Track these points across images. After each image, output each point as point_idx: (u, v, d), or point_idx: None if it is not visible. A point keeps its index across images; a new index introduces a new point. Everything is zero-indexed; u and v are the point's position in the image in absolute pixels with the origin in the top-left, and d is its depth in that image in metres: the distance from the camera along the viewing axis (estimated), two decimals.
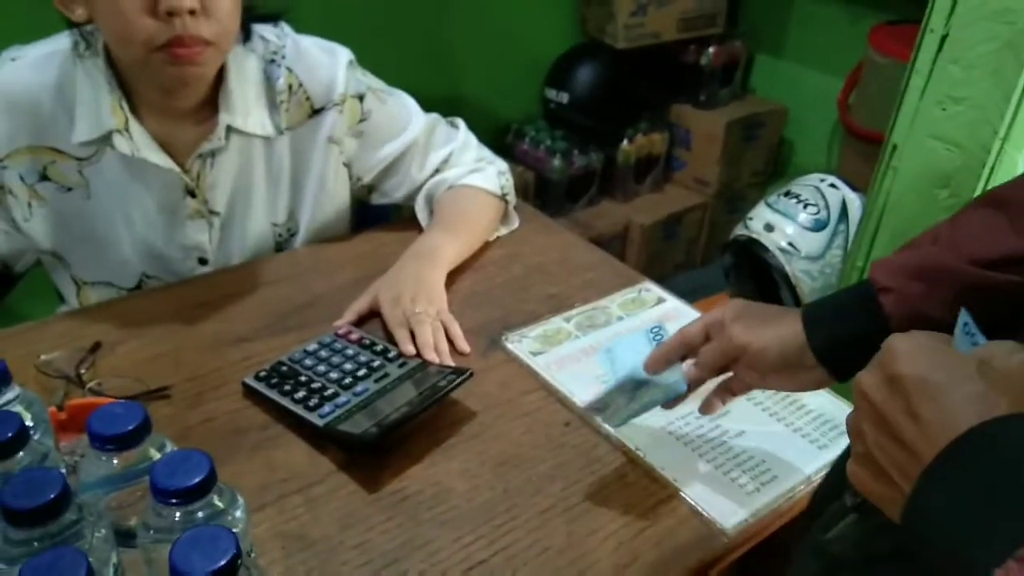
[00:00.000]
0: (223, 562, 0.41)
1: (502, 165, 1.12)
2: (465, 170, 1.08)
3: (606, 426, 0.77)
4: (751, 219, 1.67)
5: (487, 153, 1.13)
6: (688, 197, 2.57)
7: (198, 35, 0.82)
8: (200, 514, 0.47)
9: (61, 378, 0.79)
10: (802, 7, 2.44)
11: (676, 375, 0.70)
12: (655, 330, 0.72)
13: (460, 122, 1.13)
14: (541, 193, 2.37)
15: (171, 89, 0.89)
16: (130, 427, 0.48)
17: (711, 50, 2.43)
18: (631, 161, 2.46)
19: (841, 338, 0.63)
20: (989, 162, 1.11)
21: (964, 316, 0.46)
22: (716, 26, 2.44)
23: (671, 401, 0.72)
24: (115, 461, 0.50)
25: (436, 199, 1.08)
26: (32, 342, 0.84)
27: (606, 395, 0.71)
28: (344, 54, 1.02)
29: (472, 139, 1.13)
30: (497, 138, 2.42)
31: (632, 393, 0.71)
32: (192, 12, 0.80)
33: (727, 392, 0.72)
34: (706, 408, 0.73)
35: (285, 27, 1.01)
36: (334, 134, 1.01)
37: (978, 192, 1.13)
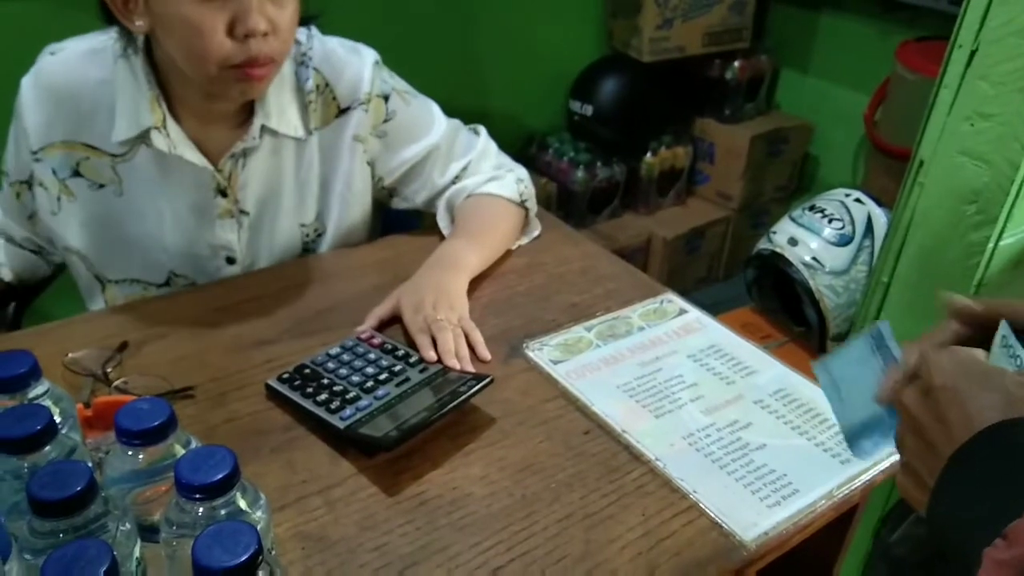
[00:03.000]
0: (244, 558, 0.42)
1: (522, 172, 1.13)
2: (484, 178, 1.09)
3: (628, 437, 0.77)
4: (775, 233, 1.66)
5: (506, 160, 1.14)
6: (711, 211, 2.56)
7: (269, 55, 0.86)
8: (223, 511, 0.47)
9: (88, 376, 0.80)
10: (829, 23, 2.44)
11: None
12: (875, 336, 0.56)
13: (481, 129, 1.14)
14: (564, 204, 2.37)
15: (229, 101, 0.92)
16: (156, 423, 0.49)
17: (736, 64, 2.43)
18: (654, 174, 2.46)
19: None
20: (1017, 178, 1.10)
21: (1004, 328, 0.47)
22: (742, 40, 2.44)
23: None
24: (140, 456, 0.51)
25: (457, 207, 1.08)
26: (60, 340, 0.85)
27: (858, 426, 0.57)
28: (370, 54, 1.03)
29: (492, 147, 1.13)
30: (521, 149, 2.43)
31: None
32: (264, 33, 0.83)
33: None
34: None
35: (313, 29, 1.02)
36: (359, 132, 1.02)
37: (1005, 212, 1.12)
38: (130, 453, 0.51)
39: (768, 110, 2.60)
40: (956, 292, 0.54)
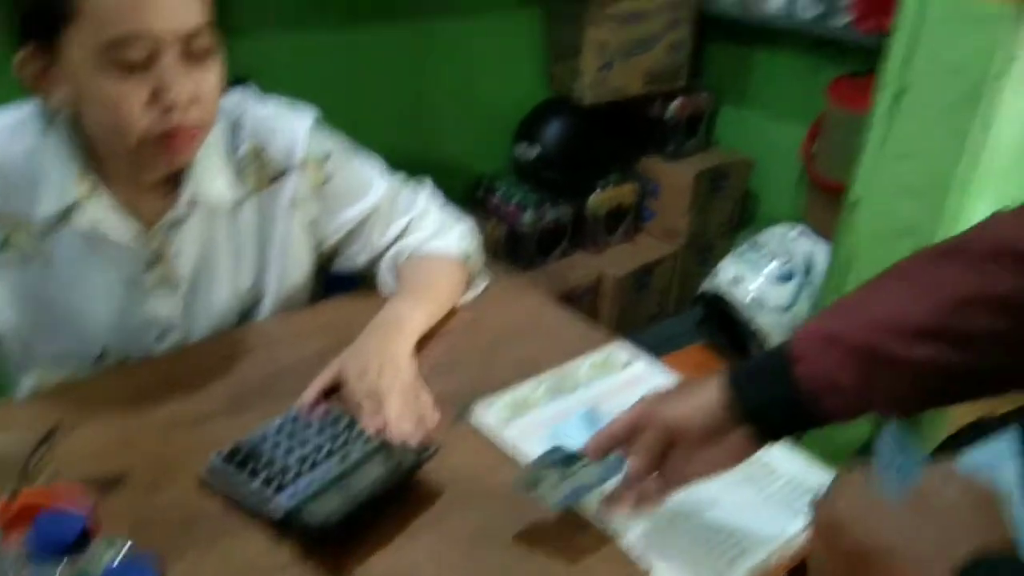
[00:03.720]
0: None
1: (465, 227, 1.12)
2: (426, 235, 1.07)
3: (579, 503, 0.75)
4: (719, 271, 1.68)
5: (449, 216, 1.13)
6: (659, 248, 2.59)
7: (193, 124, 0.84)
8: None
9: (13, 467, 0.76)
10: (763, 60, 2.50)
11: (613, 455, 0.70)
12: (587, 414, 0.75)
13: (427, 182, 1.13)
14: (513, 247, 2.37)
15: (155, 170, 0.90)
16: (70, 539, 0.46)
17: (676, 103, 2.47)
18: (601, 213, 2.48)
19: (763, 400, 0.63)
20: (949, 213, 1.13)
21: (883, 442, 0.46)
22: (680, 80, 2.49)
23: (610, 491, 0.71)
24: (57, 571, 0.48)
25: (399, 268, 1.07)
26: None
27: (536, 472, 0.70)
28: (307, 116, 1.02)
29: (433, 204, 1.12)
30: (469, 193, 2.43)
31: (564, 471, 0.70)
32: (188, 103, 0.82)
33: (664, 486, 0.69)
34: (610, 503, 0.71)
35: (249, 92, 1.01)
36: (296, 196, 1.00)
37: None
38: (47, 567, 0.48)
39: (709, 146, 2.65)
40: None
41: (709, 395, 0.65)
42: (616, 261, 2.51)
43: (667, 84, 2.47)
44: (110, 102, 0.79)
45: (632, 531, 0.73)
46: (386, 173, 1.09)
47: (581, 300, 2.41)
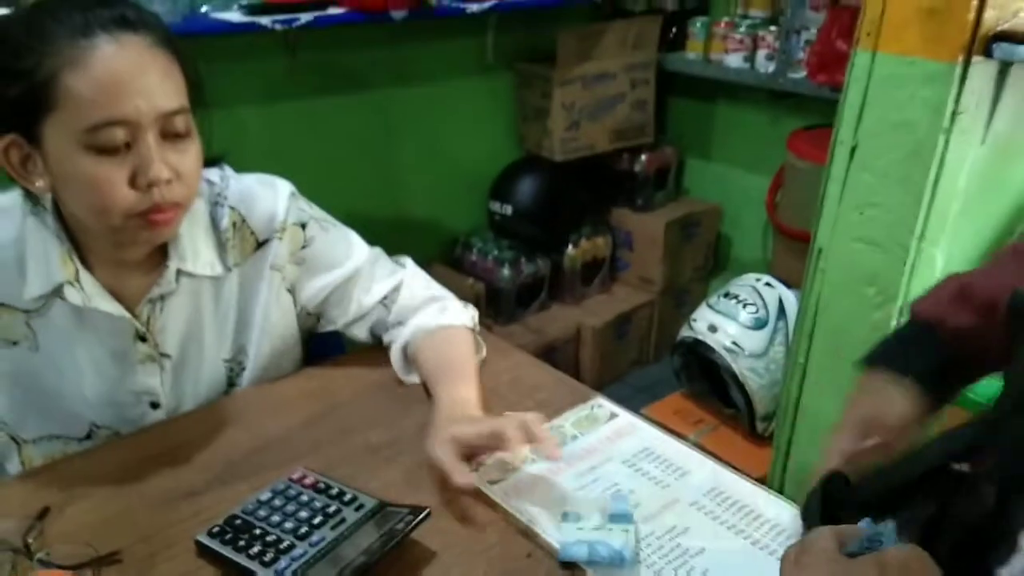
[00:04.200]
0: None
1: (456, 299, 1.12)
2: (433, 311, 1.07)
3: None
4: (695, 320, 1.72)
5: (438, 287, 1.14)
6: (635, 296, 2.64)
7: (173, 201, 0.86)
8: None
9: (8, 551, 0.76)
10: (725, 113, 2.60)
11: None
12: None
13: (407, 259, 1.15)
14: (493, 302, 2.41)
15: (138, 247, 0.92)
16: None
17: (643, 157, 2.55)
18: (577, 265, 2.53)
19: (928, 367, 0.75)
20: (909, 260, 1.18)
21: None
22: (646, 135, 2.57)
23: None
24: None
25: (418, 346, 1.05)
26: None
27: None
28: (284, 186, 1.05)
29: (421, 272, 1.14)
30: (446, 251, 2.48)
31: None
32: (168, 180, 0.84)
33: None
34: None
35: (227, 168, 1.04)
36: (276, 261, 1.02)
37: (902, 290, 1.19)
38: None
39: (678, 196, 2.72)
40: None
41: (887, 391, 0.74)
42: (594, 311, 2.55)
43: (634, 140, 2.55)
44: (92, 184, 0.82)
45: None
46: (364, 243, 1.11)
47: (562, 351, 2.44)
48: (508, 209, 2.40)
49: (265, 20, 1.68)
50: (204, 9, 1.65)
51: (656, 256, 2.60)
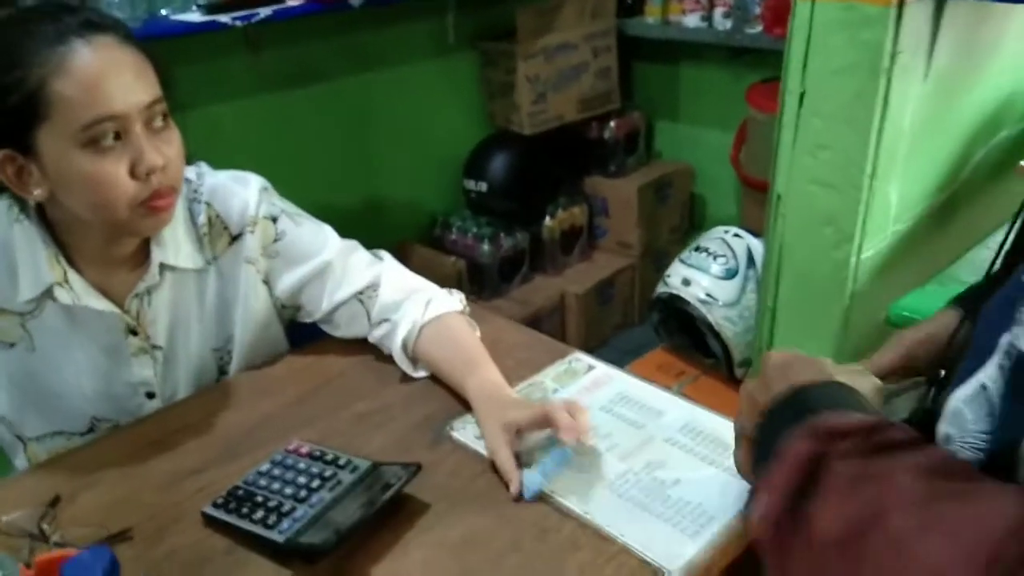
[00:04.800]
0: None
1: (439, 288, 1.12)
2: (419, 304, 1.06)
3: (555, 497, 0.82)
4: (669, 276, 1.77)
5: (417, 278, 1.13)
6: (615, 261, 2.69)
7: (170, 185, 0.92)
8: None
9: (25, 536, 0.81)
10: (688, 73, 2.64)
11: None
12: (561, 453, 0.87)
13: (384, 253, 1.15)
14: (475, 278, 2.45)
15: (139, 237, 0.98)
16: (99, 573, 0.52)
17: (612, 124, 2.59)
18: (556, 235, 2.58)
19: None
20: (863, 199, 1.23)
21: None
22: (613, 102, 2.61)
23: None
24: None
25: (416, 340, 1.05)
26: None
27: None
28: (256, 181, 1.08)
29: (398, 264, 1.14)
30: (426, 232, 2.51)
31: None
32: (163, 167, 0.89)
33: None
34: None
35: (202, 166, 1.08)
36: (249, 255, 1.06)
37: (859, 228, 1.25)
38: None
39: (649, 160, 2.77)
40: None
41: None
42: (576, 279, 2.60)
43: (601, 107, 2.58)
44: (95, 181, 0.87)
45: (606, 515, 0.80)
46: (337, 236, 1.12)
47: (547, 320, 2.49)
48: (483, 186, 2.43)
49: (224, 18, 1.71)
50: (164, 12, 1.68)
51: (632, 220, 2.65)
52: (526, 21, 2.32)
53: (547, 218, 2.55)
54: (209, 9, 1.70)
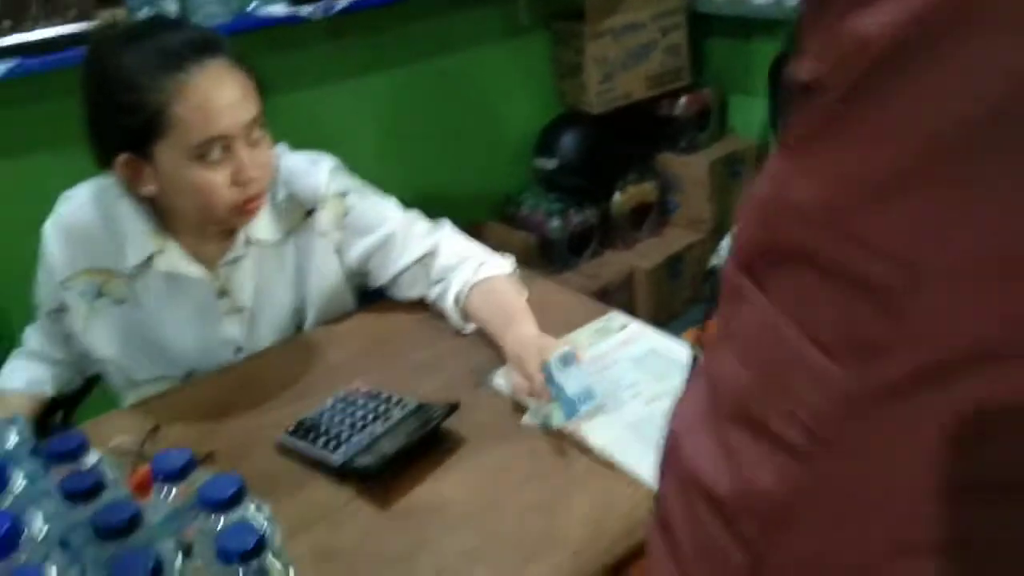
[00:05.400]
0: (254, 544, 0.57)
1: (494, 253, 1.21)
2: (472, 265, 1.16)
3: (580, 433, 0.92)
4: (721, 248, 1.81)
5: (475, 244, 1.22)
6: (685, 236, 2.72)
7: (261, 191, 1.07)
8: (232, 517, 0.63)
9: (129, 455, 0.96)
10: (759, 49, 2.63)
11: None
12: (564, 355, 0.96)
13: (446, 221, 1.26)
14: (546, 253, 2.54)
15: (232, 228, 1.12)
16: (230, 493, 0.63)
17: (682, 100, 2.62)
18: (626, 211, 2.63)
19: None
20: None
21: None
22: (683, 79, 2.63)
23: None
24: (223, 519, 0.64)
25: (467, 297, 1.14)
26: (102, 432, 1.02)
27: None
28: (327, 161, 1.21)
29: (458, 232, 1.24)
30: (498, 208, 2.62)
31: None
32: (259, 177, 1.05)
33: None
34: None
35: (282, 147, 1.21)
36: (322, 228, 1.19)
37: None
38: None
39: (723, 136, 2.77)
40: None
41: None
42: (646, 254, 2.65)
43: (670, 84, 2.61)
44: (202, 190, 1.02)
45: (622, 451, 0.89)
46: (402, 208, 1.24)
47: (616, 295, 2.55)
48: (553, 163, 2.51)
49: (307, 9, 1.85)
50: (252, 6, 1.83)
51: (704, 196, 2.67)
52: (595, 2, 2.37)
53: (616, 194, 2.60)
54: (293, 1, 1.85)
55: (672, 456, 0.39)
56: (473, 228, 1.39)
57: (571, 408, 0.92)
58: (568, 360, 0.94)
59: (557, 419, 0.93)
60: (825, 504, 0.29)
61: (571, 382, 0.93)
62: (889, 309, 0.26)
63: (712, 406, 0.35)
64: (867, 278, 0.26)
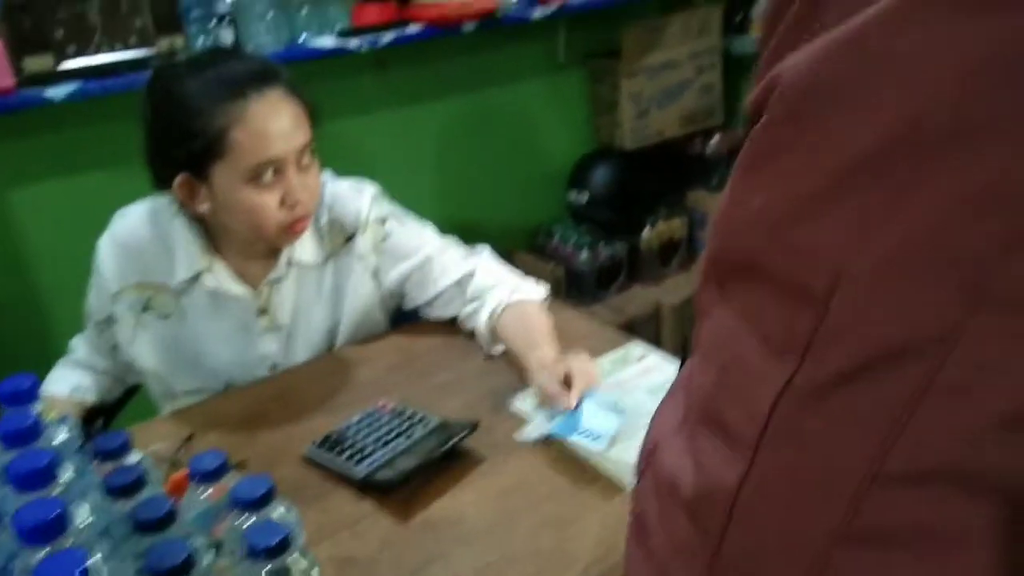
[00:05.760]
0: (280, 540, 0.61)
1: (529, 280, 1.27)
2: (507, 289, 1.21)
3: (597, 457, 0.95)
4: None
5: (510, 270, 1.28)
6: None
7: (309, 213, 1.13)
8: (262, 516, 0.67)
9: (165, 462, 1.01)
10: None
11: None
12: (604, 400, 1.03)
13: (484, 247, 1.31)
14: (574, 284, 2.58)
15: (280, 247, 1.18)
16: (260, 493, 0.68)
17: (715, 139, 2.66)
18: (655, 247, 2.66)
19: None
20: None
21: None
22: (716, 118, 2.68)
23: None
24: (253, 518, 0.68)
25: (498, 318, 1.19)
26: (142, 438, 1.06)
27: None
28: (369, 189, 1.27)
29: (496, 261, 1.29)
30: (529, 239, 2.67)
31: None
32: (307, 200, 1.11)
33: None
34: None
35: (327, 173, 1.27)
36: (362, 252, 1.24)
37: None
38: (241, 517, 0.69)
39: None
40: None
41: None
42: (673, 290, 2.67)
43: (703, 123, 2.66)
44: (254, 210, 1.08)
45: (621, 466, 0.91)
46: (438, 234, 1.29)
47: (642, 328, 2.58)
48: (584, 197, 2.56)
49: (354, 42, 1.93)
50: (303, 38, 1.92)
51: None
52: (631, 40, 2.43)
53: (646, 229, 2.64)
54: (341, 34, 1.93)
55: (649, 461, 0.43)
56: (504, 257, 1.44)
57: (570, 430, 0.97)
58: (607, 404, 1.01)
59: (553, 427, 0.99)
60: (771, 495, 0.32)
61: (593, 419, 0.98)
62: (818, 310, 0.29)
63: (686, 412, 0.39)
64: (802, 283, 0.30)
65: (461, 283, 1.26)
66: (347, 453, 0.97)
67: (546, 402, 1.03)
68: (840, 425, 0.30)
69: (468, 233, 1.32)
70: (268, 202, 1.08)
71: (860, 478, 0.29)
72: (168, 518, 0.66)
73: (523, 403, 1.08)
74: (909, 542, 0.29)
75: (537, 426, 1.01)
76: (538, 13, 2.18)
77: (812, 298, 0.29)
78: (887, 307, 0.28)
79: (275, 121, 1.06)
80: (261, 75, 1.07)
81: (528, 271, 1.33)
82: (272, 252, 1.20)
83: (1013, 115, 0.25)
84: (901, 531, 0.29)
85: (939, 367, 0.27)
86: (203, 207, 1.11)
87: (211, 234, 1.18)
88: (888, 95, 0.27)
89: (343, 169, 1.30)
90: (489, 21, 2.08)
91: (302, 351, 1.27)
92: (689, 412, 0.38)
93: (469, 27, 2.07)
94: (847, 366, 0.29)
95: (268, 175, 1.07)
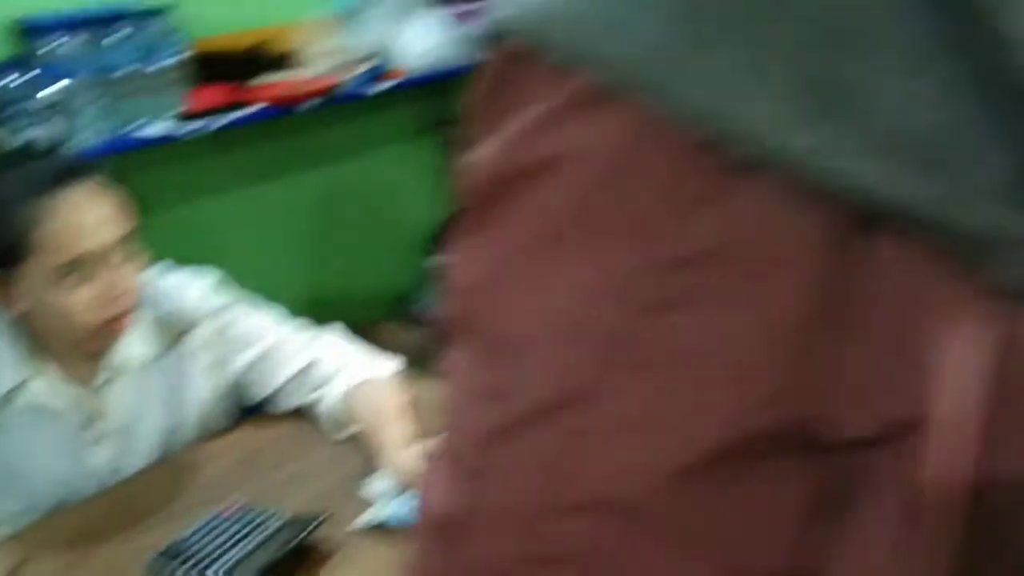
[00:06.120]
0: None
1: (378, 355, 1.26)
2: (353, 372, 1.19)
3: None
4: None
5: (357, 349, 1.26)
6: None
7: (130, 308, 1.08)
8: None
9: None
10: None
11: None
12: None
13: (334, 328, 1.30)
14: (443, 349, 2.59)
15: (101, 347, 1.12)
16: None
17: None
18: None
19: None
20: None
21: None
22: None
23: None
24: None
25: (344, 405, 1.17)
26: None
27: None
28: (207, 277, 1.24)
29: (344, 342, 1.27)
30: (392, 307, 2.66)
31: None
32: (129, 293, 1.07)
33: None
34: None
35: (162, 264, 1.23)
36: (198, 347, 1.21)
37: None
38: None
39: None
40: None
41: None
42: None
43: None
44: (68, 310, 1.04)
45: None
46: (285, 320, 1.28)
47: None
48: (447, 260, 2.59)
49: (191, 126, 1.90)
50: (131, 126, 1.85)
51: None
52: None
53: None
54: (173, 120, 1.90)
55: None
56: (367, 328, 1.43)
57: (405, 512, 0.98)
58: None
59: (391, 511, 0.99)
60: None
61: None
62: (504, 370, 0.32)
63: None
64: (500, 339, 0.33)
65: (305, 371, 1.23)
66: (192, 561, 0.94)
67: (408, 480, 1.03)
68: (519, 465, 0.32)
69: (328, 308, 1.31)
70: (84, 301, 1.04)
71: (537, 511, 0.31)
72: None
73: (373, 487, 1.07)
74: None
75: (374, 511, 1.00)
76: (378, 88, 2.22)
77: (503, 359, 0.32)
78: (543, 368, 0.30)
79: (85, 216, 1.03)
80: (67, 171, 1.04)
81: (393, 341, 1.33)
82: (99, 352, 1.15)
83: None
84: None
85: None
86: (18, 306, 1.06)
87: (35, 336, 1.12)
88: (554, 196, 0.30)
89: (190, 257, 1.27)
90: (327, 99, 2.10)
91: (140, 456, 1.21)
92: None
93: (312, 104, 2.08)
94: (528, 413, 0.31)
95: (80, 272, 1.03)
